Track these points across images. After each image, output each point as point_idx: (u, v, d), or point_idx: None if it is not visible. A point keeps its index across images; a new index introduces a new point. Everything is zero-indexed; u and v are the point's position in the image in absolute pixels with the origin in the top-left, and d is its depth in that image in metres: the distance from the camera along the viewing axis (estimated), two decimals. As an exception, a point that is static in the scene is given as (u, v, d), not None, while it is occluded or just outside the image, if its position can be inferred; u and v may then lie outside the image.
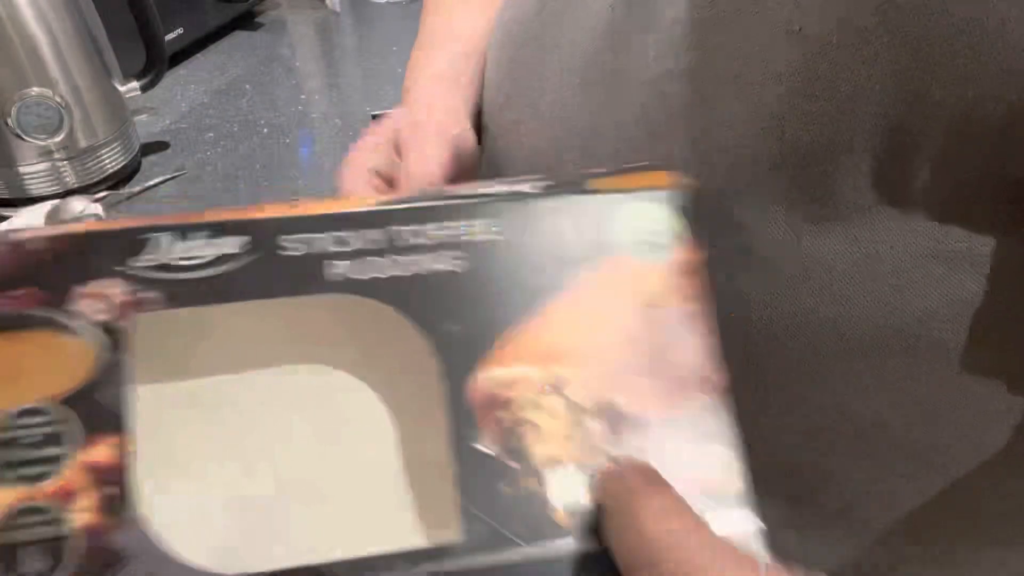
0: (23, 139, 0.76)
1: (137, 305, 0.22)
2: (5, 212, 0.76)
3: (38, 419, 0.21)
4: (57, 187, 0.79)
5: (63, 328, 0.21)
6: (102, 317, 0.21)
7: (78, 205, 0.76)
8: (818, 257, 0.29)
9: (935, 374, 0.28)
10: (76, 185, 0.80)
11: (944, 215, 0.27)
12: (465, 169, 0.37)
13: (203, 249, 0.22)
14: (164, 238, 0.22)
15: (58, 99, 0.76)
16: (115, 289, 0.22)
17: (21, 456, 0.21)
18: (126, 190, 0.81)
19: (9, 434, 0.21)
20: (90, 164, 0.80)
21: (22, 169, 0.77)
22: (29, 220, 0.73)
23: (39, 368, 0.21)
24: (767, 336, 0.30)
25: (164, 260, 0.22)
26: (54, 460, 0.21)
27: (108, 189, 0.81)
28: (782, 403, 0.31)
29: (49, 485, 0.21)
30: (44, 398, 0.21)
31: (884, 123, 0.25)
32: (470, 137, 0.39)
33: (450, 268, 0.23)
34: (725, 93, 0.28)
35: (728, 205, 0.29)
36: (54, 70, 0.76)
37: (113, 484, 0.21)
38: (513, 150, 0.38)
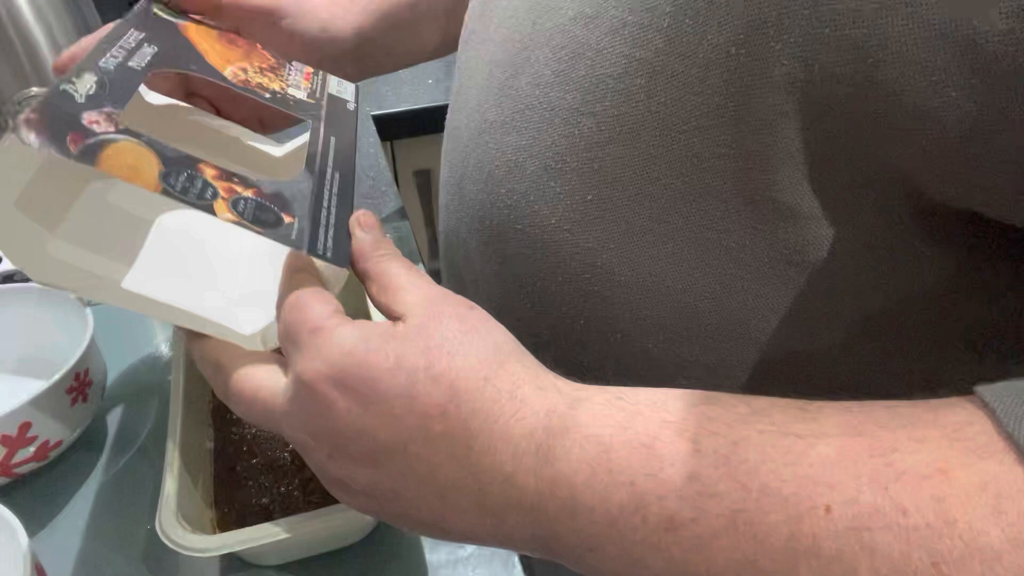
0: (23, 139, 0.76)
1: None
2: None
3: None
4: (57, 187, 0.79)
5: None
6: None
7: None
8: (666, 229, 0.29)
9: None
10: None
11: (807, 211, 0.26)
12: (293, 35, 0.48)
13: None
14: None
15: (58, 99, 0.76)
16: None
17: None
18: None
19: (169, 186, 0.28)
20: (90, 164, 0.80)
21: (22, 169, 0.77)
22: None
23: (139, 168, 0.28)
24: (624, 296, 0.31)
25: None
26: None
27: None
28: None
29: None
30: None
31: (734, 89, 0.25)
32: (307, 14, 0.49)
33: None
34: (614, 41, 0.28)
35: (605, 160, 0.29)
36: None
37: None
38: (468, 82, 0.40)
